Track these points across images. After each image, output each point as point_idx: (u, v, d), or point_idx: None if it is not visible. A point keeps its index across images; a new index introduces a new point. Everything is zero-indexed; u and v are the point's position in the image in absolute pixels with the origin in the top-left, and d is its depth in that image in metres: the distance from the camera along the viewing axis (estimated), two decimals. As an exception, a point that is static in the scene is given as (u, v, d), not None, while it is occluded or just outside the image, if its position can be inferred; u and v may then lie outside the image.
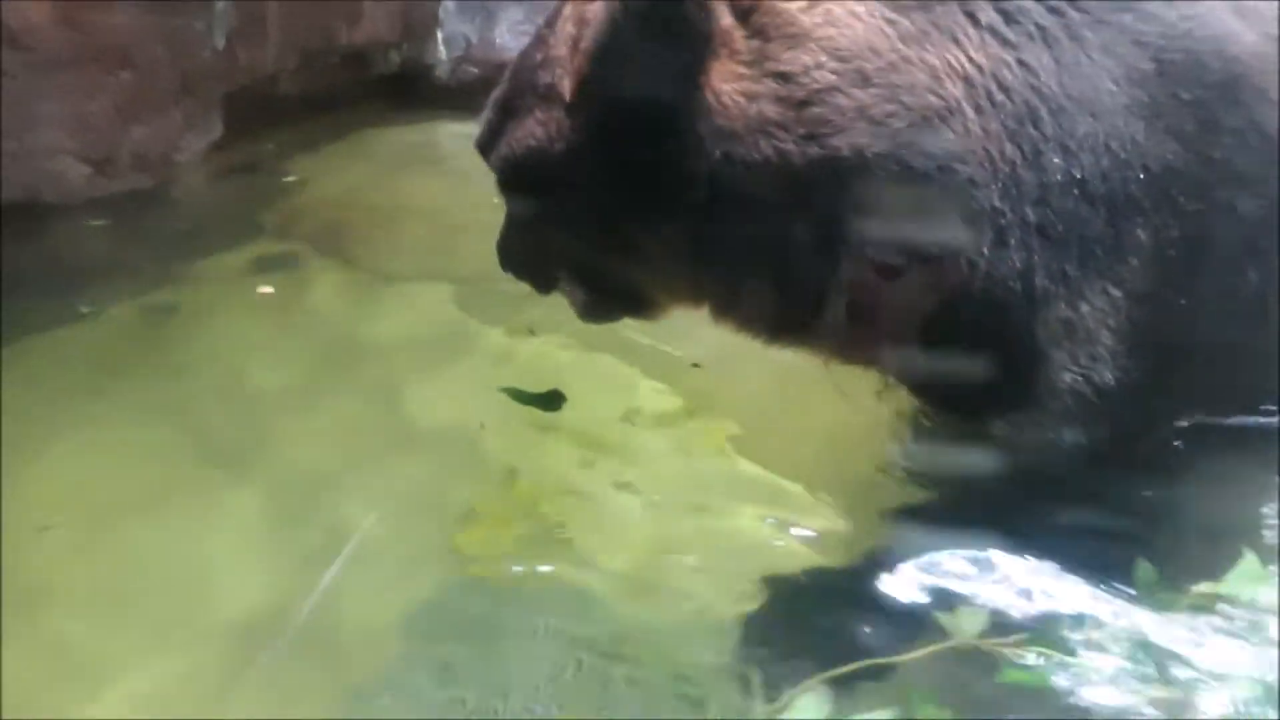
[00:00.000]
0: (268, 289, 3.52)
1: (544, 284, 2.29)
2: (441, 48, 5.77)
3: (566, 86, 1.94)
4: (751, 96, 1.81)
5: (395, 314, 3.39)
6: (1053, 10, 1.93)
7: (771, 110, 1.81)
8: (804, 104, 1.81)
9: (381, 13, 5.27)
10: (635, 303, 2.22)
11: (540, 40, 2.06)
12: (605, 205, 1.95)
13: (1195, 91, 1.92)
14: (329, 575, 2.01)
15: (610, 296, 2.22)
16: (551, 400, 2.49)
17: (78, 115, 3.68)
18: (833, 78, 1.80)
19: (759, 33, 1.84)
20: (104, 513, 2.33)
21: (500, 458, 2.49)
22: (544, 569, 2.08)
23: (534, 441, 2.51)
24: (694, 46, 1.82)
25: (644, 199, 1.92)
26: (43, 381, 2.88)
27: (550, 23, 2.05)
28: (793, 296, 1.95)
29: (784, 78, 1.82)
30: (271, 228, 4.10)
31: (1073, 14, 1.93)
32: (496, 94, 2.15)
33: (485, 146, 2.14)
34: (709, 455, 2.48)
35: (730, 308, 2.05)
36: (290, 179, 4.65)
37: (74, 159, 3.71)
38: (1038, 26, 1.91)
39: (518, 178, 2.06)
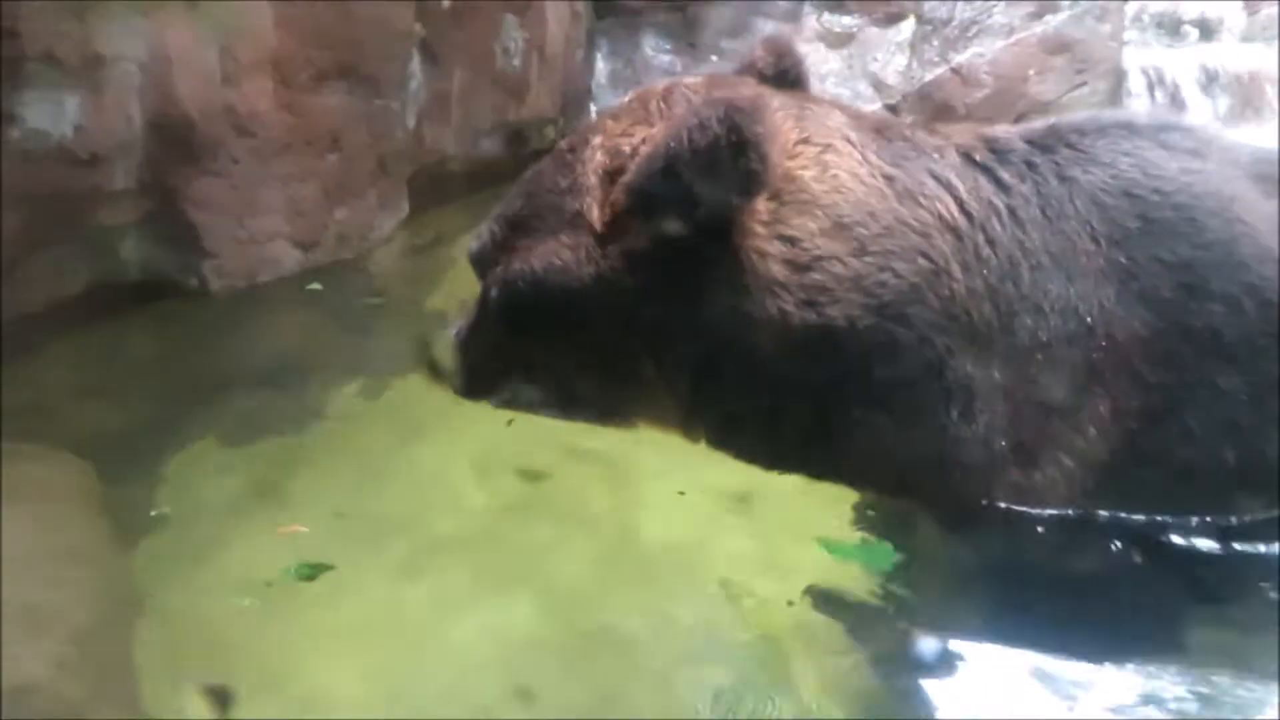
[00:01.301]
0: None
1: (490, 388, 2.38)
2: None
3: (596, 216, 2.05)
4: (763, 255, 1.92)
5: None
6: (1044, 149, 1.97)
7: (779, 271, 1.92)
8: (806, 269, 1.90)
9: (545, 89, 5.29)
10: (609, 417, 2.26)
11: (563, 163, 2.17)
12: (619, 333, 2.03)
13: (1183, 253, 1.87)
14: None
15: (583, 408, 2.28)
16: (877, 555, 1.99)
17: (291, 199, 3.66)
18: (834, 245, 1.90)
19: (775, 196, 1.94)
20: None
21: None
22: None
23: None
24: (734, 195, 1.89)
25: (659, 334, 2.00)
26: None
27: (574, 148, 2.16)
28: (786, 441, 2.02)
29: (791, 241, 1.92)
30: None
31: (1065, 151, 1.96)
32: (505, 210, 2.32)
33: (484, 259, 2.31)
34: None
35: (726, 443, 2.11)
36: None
37: (288, 243, 3.68)
38: (1029, 165, 1.96)
39: (530, 294, 2.11)
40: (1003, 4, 5.80)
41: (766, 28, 5.91)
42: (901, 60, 5.76)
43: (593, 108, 5.83)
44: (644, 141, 2.01)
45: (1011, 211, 1.93)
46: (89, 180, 2.90)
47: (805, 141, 1.97)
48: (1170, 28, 6.97)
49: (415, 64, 4.19)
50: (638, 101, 2.24)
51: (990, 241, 1.91)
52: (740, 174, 1.85)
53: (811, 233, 1.92)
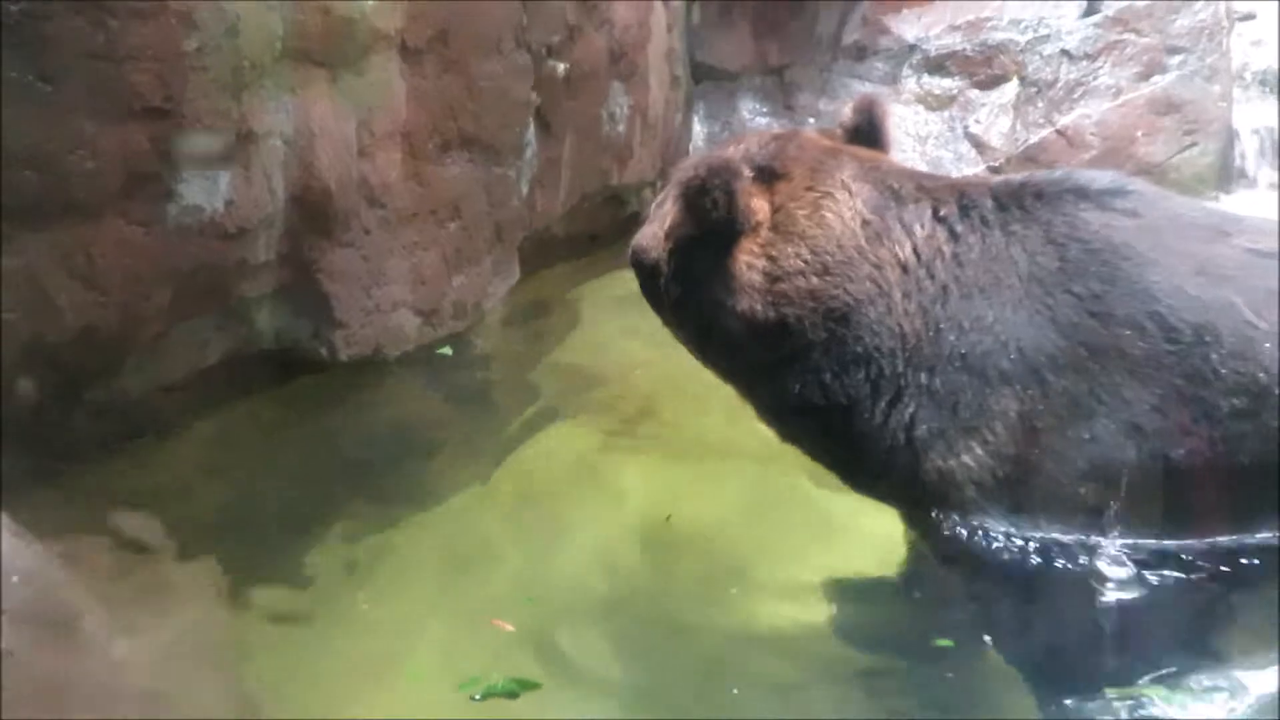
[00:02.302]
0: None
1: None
2: (691, 184, 5.74)
3: (665, 213, 2.70)
4: (751, 267, 2.50)
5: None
6: (1002, 207, 2.40)
7: (758, 279, 2.49)
8: (777, 280, 2.47)
9: (646, 153, 5.30)
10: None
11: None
12: (664, 298, 2.72)
13: (1094, 287, 2.23)
14: None
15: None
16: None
17: (414, 268, 3.66)
18: (802, 265, 2.46)
19: (774, 227, 2.51)
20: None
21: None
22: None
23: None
24: (732, 227, 2.52)
25: (680, 306, 2.69)
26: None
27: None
28: (760, 400, 2.67)
29: (773, 260, 2.49)
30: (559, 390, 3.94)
31: (1016, 211, 2.38)
32: (656, 198, 2.98)
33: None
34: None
35: (738, 390, 2.75)
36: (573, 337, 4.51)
37: (410, 311, 3.68)
38: (983, 220, 2.40)
39: (635, 255, 2.79)
40: (1109, 65, 5.71)
41: (863, 90, 5.87)
42: (1005, 122, 5.68)
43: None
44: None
45: (955, 255, 2.38)
46: (235, 254, 2.92)
47: (810, 189, 2.52)
48: (1274, 85, 6.82)
49: (531, 132, 4.21)
50: (731, 139, 3.27)
51: (930, 275, 2.39)
52: (720, 208, 2.50)
53: (789, 255, 2.47)
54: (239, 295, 3.08)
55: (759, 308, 2.48)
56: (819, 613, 2.50)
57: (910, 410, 2.36)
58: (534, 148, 4.27)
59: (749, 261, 2.51)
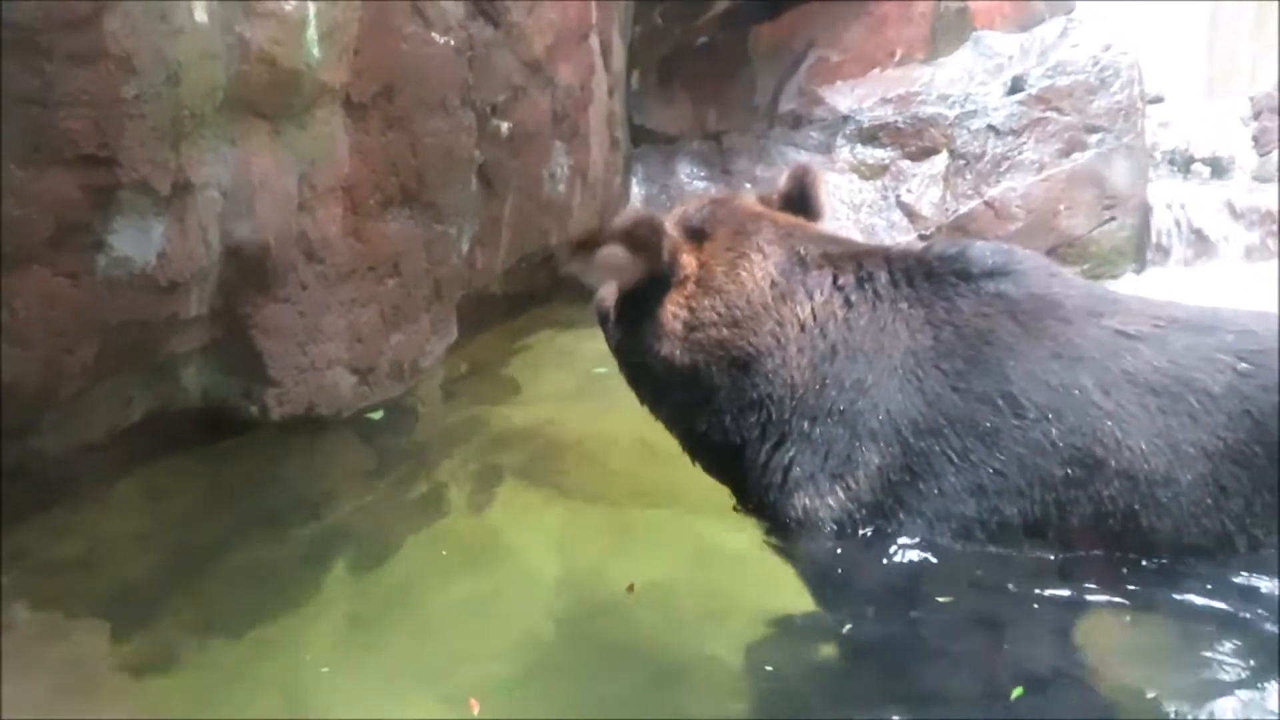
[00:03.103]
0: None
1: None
2: (628, 245, 5.76)
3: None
4: (675, 316, 2.74)
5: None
6: (894, 283, 2.66)
7: (679, 328, 2.74)
8: (694, 329, 2.73)
9: (586, 213, 5.30)
10: None
11: None
12: (620, 346, 2.95)
13: (958, 366, 2.51)
14: None
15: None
16: None
17: (352, 325, 3.57)
18: (716, 317, 2.71)
19: (698, 281, 2.75)
20: None
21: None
22: None
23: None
24: (664, 281, 2.76)
25: (619, 345, 2.94)
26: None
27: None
28: (678, 436, 2.92)
29: (692, 310, 2.73)
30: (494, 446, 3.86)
31: (906, 289, 2.65)
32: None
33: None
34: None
35: (663, 424, 2.97)
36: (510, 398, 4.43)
37: (346, 370, 3.57)
38: (876, 294, 2.65)
39: (595, 308, 3.02)
40: (1033, 141, 5.92)
41: (799, 158, 5.99)
42: (936, 192, 5.83)
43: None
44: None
45: (846, 320, 2.65)
46: (166, 308, 2.79)
47: (730, 249, 2.77)
48: (1182, 165, 7.16)
49: (473, 190, 4.17)
50: (679, 204, 3.32)
51: (823, 335, 2.65)
52: (647, 260, 2.71)
53: (706, 308, 2.71)
54: (167, 351, 2.95)
55: (677, 353, 2.74)
56: (782, 656, 2.45)
57: (790, 453, 2.64)
58: (475, 206, 4.23)
59: (674, 311, 2.76)
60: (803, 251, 2.77)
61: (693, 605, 2.70)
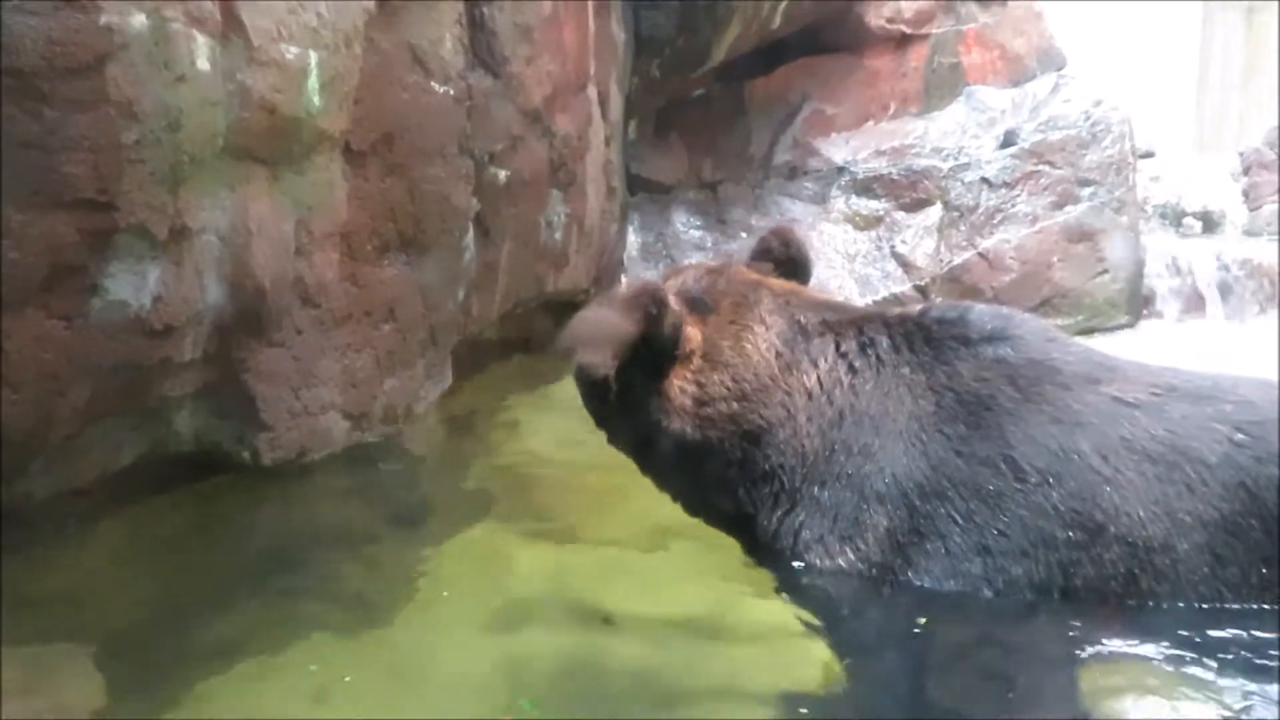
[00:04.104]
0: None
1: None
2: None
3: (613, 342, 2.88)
4: (683, 392, 2.76)
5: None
6: (895, 349, 2.71)
7: (688, 403, 2.75)
8: (703, 404, 2.75)
9: (582, 260, 5.33)
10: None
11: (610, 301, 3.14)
12: (607, 412, 2.97)
13: (960, 431, 2.56)
14: None
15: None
16: None
17: (346, 370, 3.56)
18: (724, 391, 2.73)
19: (704, 356, 2.78)
20: None
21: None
22: None
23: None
24: (667, 358, 2.79)
25: (621, 422, 2.95)
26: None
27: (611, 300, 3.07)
28: (688, 507, 2.96)
29: (701, 386, 2.75)
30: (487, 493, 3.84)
31: (907, 354, 2.69)
32: (604, 298, 3.29)
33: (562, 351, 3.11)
34: None
35: (669, 495, 3.01)
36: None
37: (339, 414, 3.56)
38: (879, 360, 2.70)
39: (582, 375, 2.97)
40: (1026, 194, 5.98)
41: (794, 208, 6.04)
42: (930, 243, 5.88)
43: (623, 278, 5.88)
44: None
45: (852, 386, 2.68)
46: (160, 352, 2.78)
47: (733, 323, 2.80)
48: (1173, 219, 7.23)
49: (470, 237, 4.19)
50: (670, 269, 3.60)
51: (830, 402, 2.69)
52: (649, 337, 2.73)
53: (715, 383, 2.74)
54: (160, 395, 2.93)
55: (688, 429, 2.76)
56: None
57: (800, 518, 2.67)
58: (472, 252, 4.25)
59: (681, 386, 2.77)
60: (803, 320, 2.80)
61: (682, 641, 2.68)
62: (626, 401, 2.86)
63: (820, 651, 2.54)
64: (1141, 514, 2.41)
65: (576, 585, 3.08)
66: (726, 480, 2.77)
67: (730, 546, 2.95)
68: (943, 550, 2.53)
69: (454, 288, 4.16)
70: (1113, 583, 2.43)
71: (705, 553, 3.03)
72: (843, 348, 2.75)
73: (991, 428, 2.55)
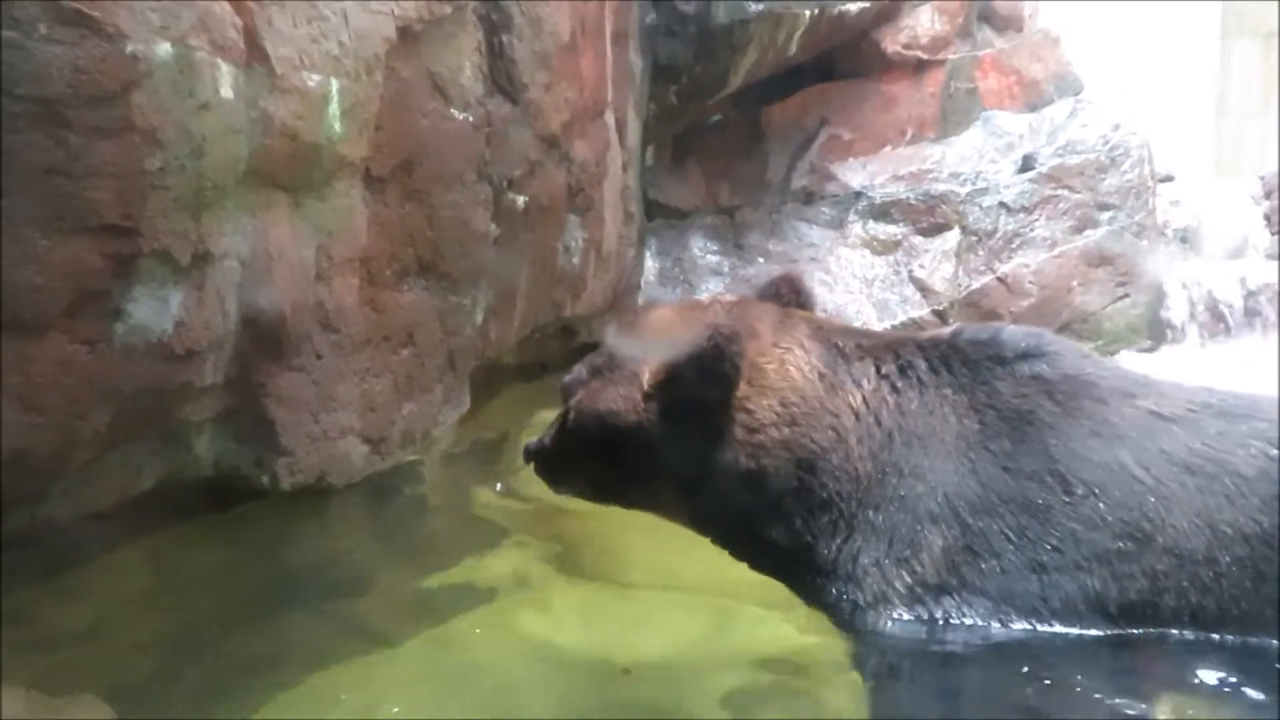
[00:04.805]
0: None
1: (559, 480, 3.34)
2: (642, 317, 5.80)
3: (646, 380, 2.88)
4: (733, 420, 2.74)
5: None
6: (934, 370, 2.73)
7: (739, 433, 2.74)
8: (754, 431, 2.73)
9: (599, 285, 5.34)
10: (632, 506, 3.17)
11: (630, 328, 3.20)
12: (646, 461, 2.90)
13: (1005, 447, 2.58)
14: None
15: (620, 502, 3.19)
16: None
17: (365, 394, 3.57)
18: (774, 416, 2.72)
19: (749, 381, 2.77)
20: None
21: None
22: None
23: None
24: (721, 389, 2.77)
25: (670, 466, 2.87)
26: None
27: (633, 324, 3.19)
28: (740, 545, 2.88)
29: (750, 413, 2.74)
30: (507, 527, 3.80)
31: (946, 375, 2.72)
32: (594, 359, 3.19)
33: (569, 389, 3.21)
34: None
35: (715, 539, 2.95)
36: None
37: (358, 439, 3.56)
38: (920, 381, 2.72)
39: (590, 422, 3.00)
40: (1044, 218, 5.97)
41: (811, 233, 6.04)
42: (948, 268, 5.87)
43: (640, 303, 5.89)
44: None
45: (898, 405, 2.69)
46: (181, 376, 2.80)
47: (775, 345, 2.81)
48: (1193, 243, 7.19)
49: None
50: (693, 303, 3.45)
51: (878, 423, 2.68)
52: (722, 374, 2.74)
53: (763, 408, 2.72)
54: (180, 419, 2.94)
55: (741, 459, 2.73)
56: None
57: (857, 544, 2.65)
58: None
59: (730, 414, 2.76)
60: (840, 344, 2.82)
61: (699, 689, 2.64)
62: (657, 445, 2.83)
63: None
64: (1185, 525, 2.41)
65: (587, 620, 3.05)
66: (782, 510, 2.74)
67: (757, 578, 2.88)
68: (998, 568, 2.52)
69: (472, 313, 4.18)
70: (1166, 595, 2.40)
71: (735, 588, 2.97)
72: (883, 370, 2.75)
73: (1034, 442, 2.57)
